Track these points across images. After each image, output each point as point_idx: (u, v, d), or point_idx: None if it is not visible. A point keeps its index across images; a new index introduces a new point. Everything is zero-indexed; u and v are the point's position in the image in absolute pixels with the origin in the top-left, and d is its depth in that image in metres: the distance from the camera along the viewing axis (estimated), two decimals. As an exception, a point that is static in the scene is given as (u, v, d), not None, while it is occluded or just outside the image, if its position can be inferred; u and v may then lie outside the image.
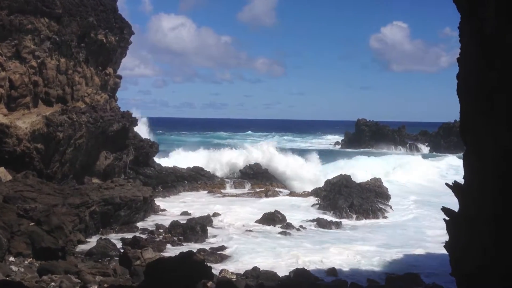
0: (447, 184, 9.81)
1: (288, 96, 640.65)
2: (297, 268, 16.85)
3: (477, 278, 8.58)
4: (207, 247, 20.29)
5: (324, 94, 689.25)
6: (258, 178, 39.69)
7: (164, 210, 28.19)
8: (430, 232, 23.58)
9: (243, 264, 18.00)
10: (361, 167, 42.69)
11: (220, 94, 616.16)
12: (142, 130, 41.75)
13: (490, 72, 7.76)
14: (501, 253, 7.83)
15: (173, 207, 29.22)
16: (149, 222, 24.98)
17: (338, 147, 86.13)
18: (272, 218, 24.91)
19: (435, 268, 17.94)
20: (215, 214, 26.22)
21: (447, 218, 9.82)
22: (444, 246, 10.17)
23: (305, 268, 17.00)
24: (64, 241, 17.40)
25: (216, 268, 16.63)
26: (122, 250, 17.92)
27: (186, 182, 36.76)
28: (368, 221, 26.93)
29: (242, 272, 16.61)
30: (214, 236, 22.40)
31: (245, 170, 41.05)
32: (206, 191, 35.73)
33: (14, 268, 14.85)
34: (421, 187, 40.73)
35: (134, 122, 34.51)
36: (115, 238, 20.75)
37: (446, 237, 10.05)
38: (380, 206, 30.16)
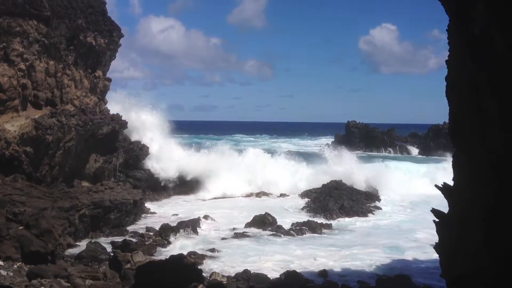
0: (436, 186, 9.82)
1: (278, 98, 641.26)
2: (288, 271, 16.86)
3: (468, 280, 8.60)
4: (197, 249, 20.25)
5: (314, 96, 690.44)
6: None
7: (154, 213, 28.15)
8: (421, 234, 23.66)
9: (233, 266, 17.97)
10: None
11: (210, 96, 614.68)
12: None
13: (479, 73, 7.77)
14: (491, 254, 7.85)
15: (164, 210, 29.17)
16: (140, 225, 24.92)
17: (328, 149, 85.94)
18: (262, 221, 24.90)
19: (426, 270, 18.02)
20: (206, 217, 26.18)
21: (437, 220, 9.83)
22: (434, 248, 10.19)
23: (296, 270, 17.01)
24: (53, 245, 17.26)
25: (207, 271, 16.63)
26: (112, 254, 17.80)
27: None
28: (358, 223, 26.97)
29: (233, 275, 16.60)
30: (205, 238, 22.32)
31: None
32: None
33: (3, 272, 14.70)
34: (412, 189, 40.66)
35: (124, 125, 34.41)
36: (105, 242, 20.66)
37: (436, 239, 10.08)
38: (371, 208, 30.29)
